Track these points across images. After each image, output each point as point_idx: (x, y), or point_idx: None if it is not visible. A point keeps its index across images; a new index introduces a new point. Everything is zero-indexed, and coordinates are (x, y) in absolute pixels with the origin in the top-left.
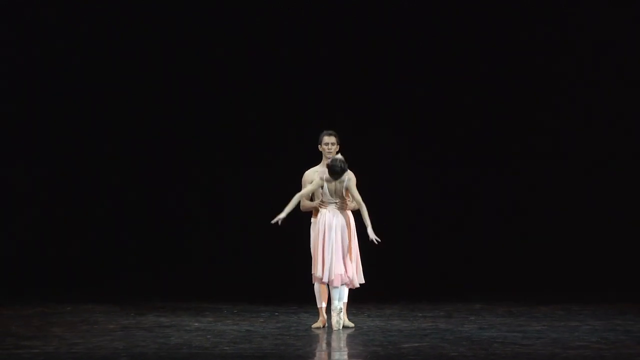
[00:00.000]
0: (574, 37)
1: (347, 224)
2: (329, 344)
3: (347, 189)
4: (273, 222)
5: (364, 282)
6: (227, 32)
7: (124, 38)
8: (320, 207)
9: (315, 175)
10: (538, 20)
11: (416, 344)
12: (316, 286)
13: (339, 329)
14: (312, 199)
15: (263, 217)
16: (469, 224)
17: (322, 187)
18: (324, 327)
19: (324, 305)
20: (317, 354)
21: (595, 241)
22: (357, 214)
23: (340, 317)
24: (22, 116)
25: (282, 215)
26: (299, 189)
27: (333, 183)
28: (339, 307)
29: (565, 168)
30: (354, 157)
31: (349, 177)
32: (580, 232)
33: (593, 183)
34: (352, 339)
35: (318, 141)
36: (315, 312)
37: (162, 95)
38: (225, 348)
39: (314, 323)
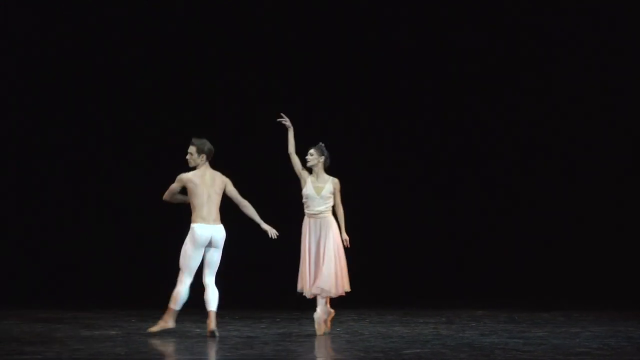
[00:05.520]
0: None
1: None
2: (330, 350)
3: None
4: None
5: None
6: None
7: None
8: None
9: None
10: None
11: (417, 350)
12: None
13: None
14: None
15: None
16: (471, 231)
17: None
18: None
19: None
20: None
21: (598, 248)
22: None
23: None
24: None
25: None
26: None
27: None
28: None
29: (565, 176)
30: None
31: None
32: (583, 239)
33: (595, 192)
34: (354, 345)
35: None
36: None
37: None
38: (226, 354)
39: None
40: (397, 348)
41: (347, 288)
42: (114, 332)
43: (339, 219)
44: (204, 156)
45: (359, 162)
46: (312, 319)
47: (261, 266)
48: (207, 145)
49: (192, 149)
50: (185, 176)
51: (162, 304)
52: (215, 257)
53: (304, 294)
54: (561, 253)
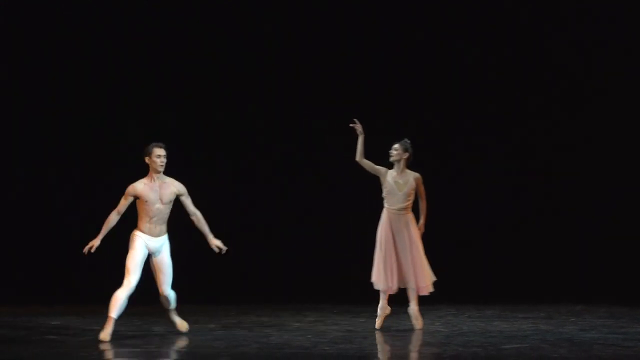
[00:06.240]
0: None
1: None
2: (428, 344)
3: None
4: None
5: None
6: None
7: None
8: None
9: (140, 188)
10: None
11: (517, 345)
12: None
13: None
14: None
15: (366, 217)
16: (569, 226)
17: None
18: None
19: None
20: (417, 354)
21: None
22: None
23: None
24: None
25: None
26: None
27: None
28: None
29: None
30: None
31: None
32: None
33: None
34: (452, 340)
35: (146, 153)
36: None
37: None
38: (325, 348)
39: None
40: (496, 343)
41: (430, 286)
42: (212, 326)
43: (421, 212)
44: None
45: (446, 154)
46: (408, 314)
47: (360, 260)
48: None
49: (165, 152)
50: None
51: (260, 296)
52: None
53: (376, 288)
54: None
